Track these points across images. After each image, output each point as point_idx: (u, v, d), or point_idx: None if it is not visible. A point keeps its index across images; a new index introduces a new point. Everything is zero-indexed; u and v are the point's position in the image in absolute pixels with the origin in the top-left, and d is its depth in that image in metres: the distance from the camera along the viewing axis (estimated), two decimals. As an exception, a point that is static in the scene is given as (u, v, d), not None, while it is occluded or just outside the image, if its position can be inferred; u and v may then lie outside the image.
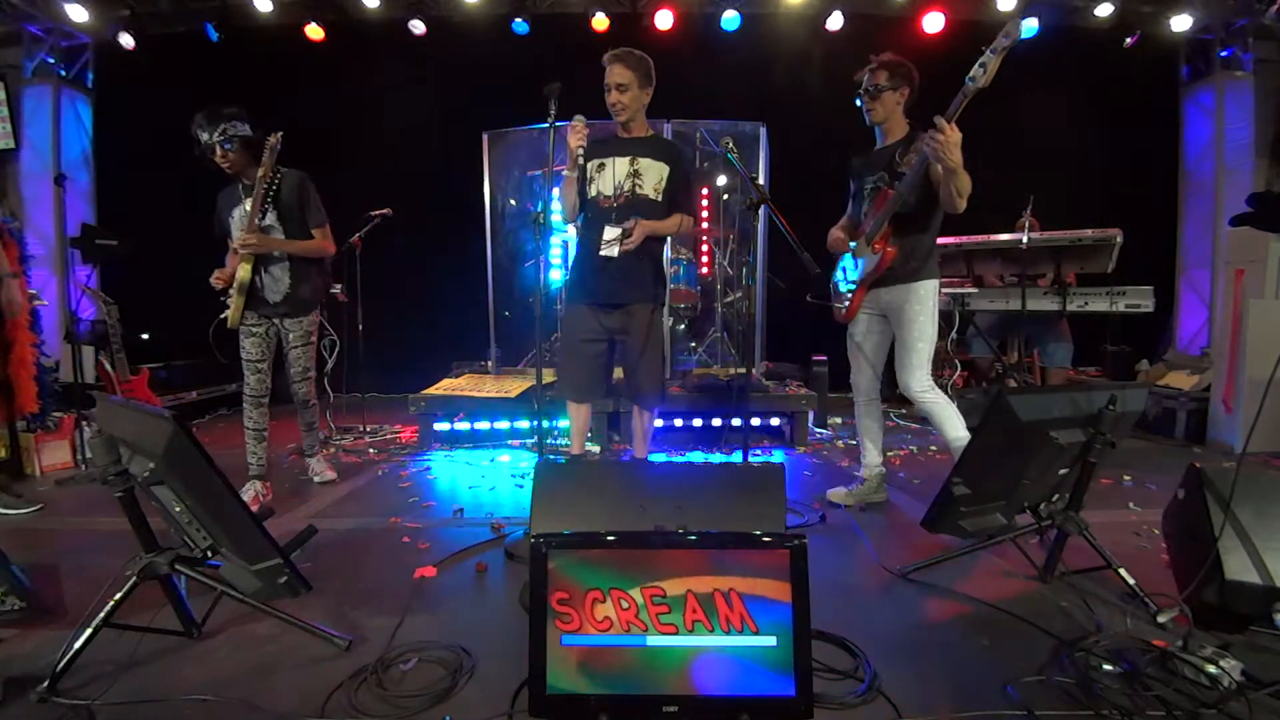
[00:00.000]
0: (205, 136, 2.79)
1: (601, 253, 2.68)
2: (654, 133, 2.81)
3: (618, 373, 3.07)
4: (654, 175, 2.71)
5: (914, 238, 2.65)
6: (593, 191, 2.74)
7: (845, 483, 3.01)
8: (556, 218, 2.93)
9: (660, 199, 2.73)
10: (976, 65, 2.18)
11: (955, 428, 2.61)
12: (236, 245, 2.86)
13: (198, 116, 2.80)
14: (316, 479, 3.35)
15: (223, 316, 2.98)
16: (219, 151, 2.81)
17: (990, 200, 2.91)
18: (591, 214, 2.75)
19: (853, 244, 2.80)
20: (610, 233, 2.68)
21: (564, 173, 2.68)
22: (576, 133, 2.57)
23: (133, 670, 1.58)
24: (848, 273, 2.86)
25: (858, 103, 2.71)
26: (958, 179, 2.34)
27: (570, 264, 2.88)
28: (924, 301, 2.65)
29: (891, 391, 2.97)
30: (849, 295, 2.83)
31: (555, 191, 2.83)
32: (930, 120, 2.28)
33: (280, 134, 2.83)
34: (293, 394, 3.19)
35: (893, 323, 2.76)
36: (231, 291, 2.91)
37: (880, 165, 2.69)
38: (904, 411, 5.30)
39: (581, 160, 2.59)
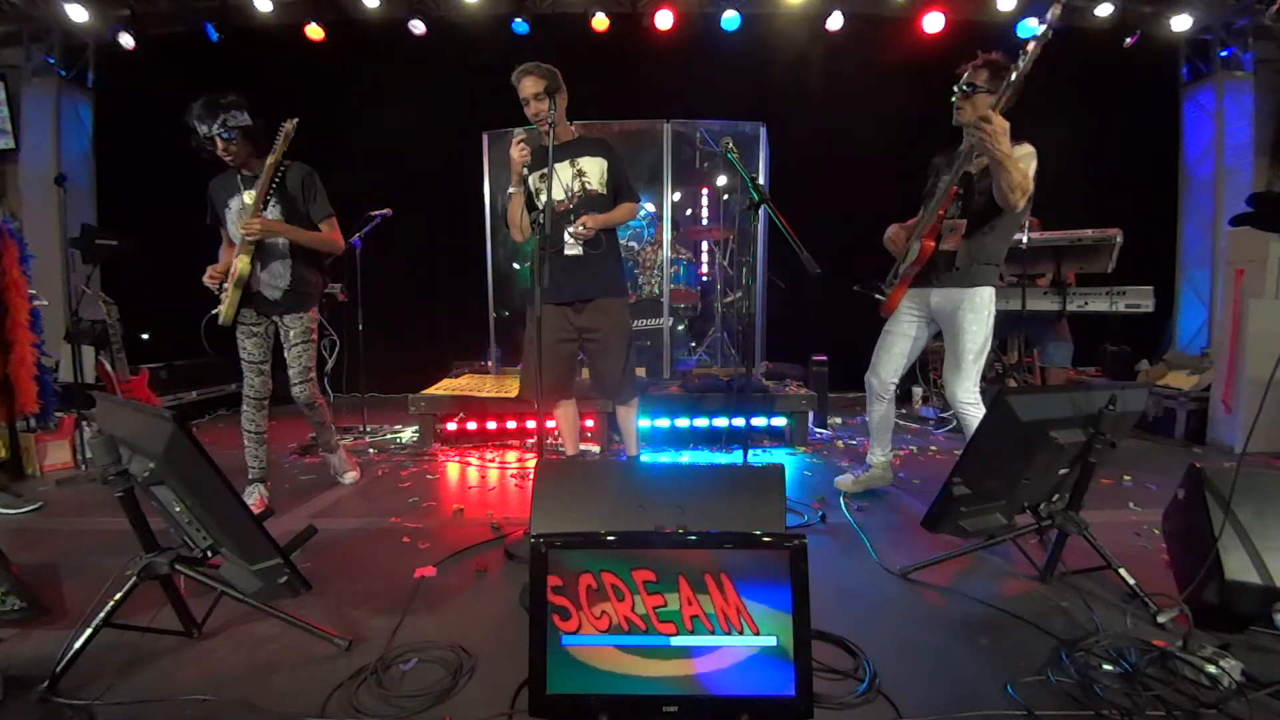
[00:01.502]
0: (204, 129, 2.67)
1: (568, 252, 2.70)
2: (578, 133, 2.83)
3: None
4: (596, 171, 2.76)
5: (978, 238, 2.56)
6: (544, 202, 2.75)
7: (845, 483, 3.02)
8: (518, 236, 2.82)
9: (606, 192, 2.78)
10: (1021, 56, 2.23)
11: None
12: (241, 231, 2.72)
13: (194, 107, 2.67)
14: (339, 478, 3.31)
15: (214, 312, 2.82)
16: (219, 144, 2.70)
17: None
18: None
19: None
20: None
21: (509, 190, 2.68)
22: (519, 147, 2.54)
23: (133, 670, 1.58)
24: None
25: (952, 100, 2.57)
26: (1005, 172, 2.29)
27: (530, 269, 2.85)
28: (979, 310, 2.56)
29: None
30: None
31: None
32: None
33: (295, 120, 2.73)
34: (294, 397, 3.02)
35: (944, 330, 2.68)
36: (227, 285, 2.77)
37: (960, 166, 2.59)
38: (903, 411, 5.30)
39: (526, 172, 2.60)
